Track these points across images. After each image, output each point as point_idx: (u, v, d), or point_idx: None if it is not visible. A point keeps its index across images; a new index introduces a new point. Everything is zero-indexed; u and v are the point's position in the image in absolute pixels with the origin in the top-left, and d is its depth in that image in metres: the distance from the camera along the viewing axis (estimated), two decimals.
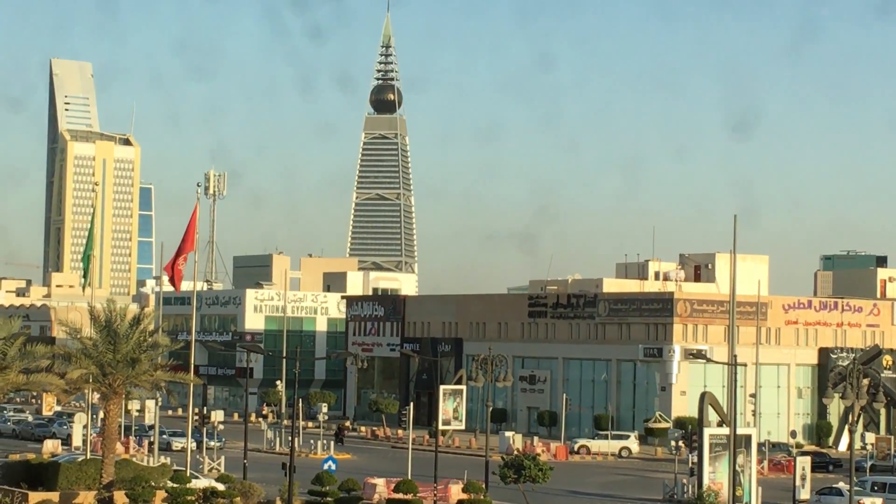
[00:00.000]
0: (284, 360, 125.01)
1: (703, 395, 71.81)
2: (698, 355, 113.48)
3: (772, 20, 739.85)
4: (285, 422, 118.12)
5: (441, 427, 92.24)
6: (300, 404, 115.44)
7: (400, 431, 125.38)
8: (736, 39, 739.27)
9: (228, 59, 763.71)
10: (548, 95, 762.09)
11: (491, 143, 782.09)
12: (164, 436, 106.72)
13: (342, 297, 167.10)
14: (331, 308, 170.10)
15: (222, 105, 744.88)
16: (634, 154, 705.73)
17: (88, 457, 76.17)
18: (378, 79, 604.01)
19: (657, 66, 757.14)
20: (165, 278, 79.16)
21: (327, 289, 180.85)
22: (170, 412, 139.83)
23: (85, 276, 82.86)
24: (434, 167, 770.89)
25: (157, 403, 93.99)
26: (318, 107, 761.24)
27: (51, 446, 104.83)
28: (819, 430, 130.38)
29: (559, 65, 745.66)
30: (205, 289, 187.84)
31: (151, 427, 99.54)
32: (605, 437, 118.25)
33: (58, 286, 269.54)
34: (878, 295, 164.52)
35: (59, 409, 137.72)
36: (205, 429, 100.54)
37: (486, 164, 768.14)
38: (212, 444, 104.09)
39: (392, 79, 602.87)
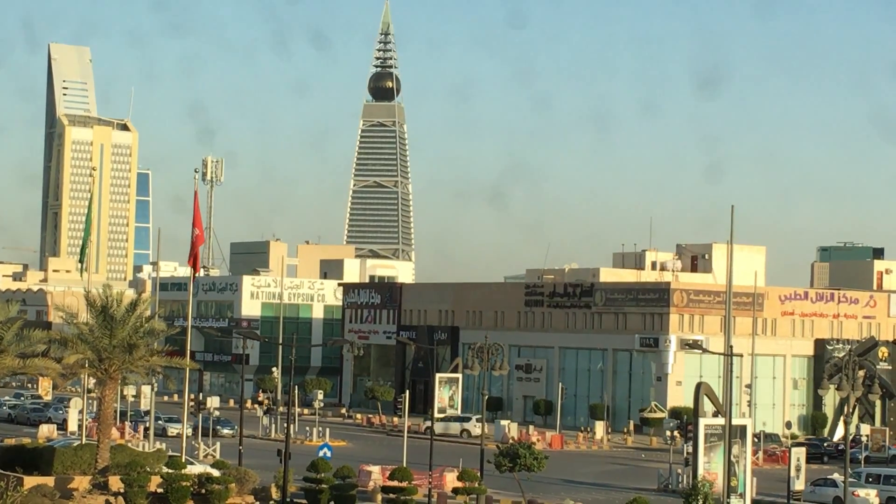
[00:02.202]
0: (280, 347, 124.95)
1: (698, 386, 71.77)
2: (694, 345, 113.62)
3: None
4: (281, 409, 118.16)
5: (437, 415, 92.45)
6: (296, 391, 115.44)
7: (395, 419, 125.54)
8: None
9: (218, 53, 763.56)
10: (520, 51, 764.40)
11: (465, 101, 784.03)
12: (160, 422, 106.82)
13: (339, 285, 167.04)
14: (327, 295, 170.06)
15: (210, 92, 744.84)
16: (605, 110, 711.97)
17: (84, 442, 76.19)
18: (376, 66, 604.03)
19: (629, 22, 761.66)
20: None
21: (324, 276, 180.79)
22: (165, 398, 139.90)
23: (82, 262, 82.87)
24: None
25: (152, 389, 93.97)
26: (314, 94, 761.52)
27: (46, 431, 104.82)
28: (814, 422, 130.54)
29: (532, 21, 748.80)
30: (201, 274, 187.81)
31: (147, 412, 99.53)
32: (449, 420, 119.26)
33: (55, 271, 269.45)
34: (875, 286, 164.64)
35: (70, 393, 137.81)
36: (212, 416, 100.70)
37: (460, 121, 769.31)
38: (226, 431, 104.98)
39: (390, 66, 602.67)
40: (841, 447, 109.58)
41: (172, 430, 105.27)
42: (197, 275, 75.87)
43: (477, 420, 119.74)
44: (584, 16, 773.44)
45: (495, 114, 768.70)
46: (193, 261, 74.52)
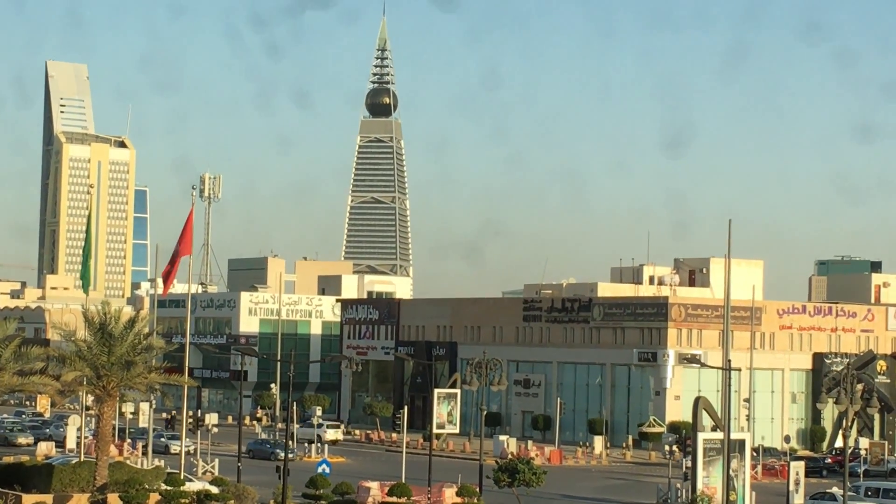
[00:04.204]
0: (279, 363, 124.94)
1: (697, 400, 71.84)
2: (692, 360, 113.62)
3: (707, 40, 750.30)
4: (279, 425, 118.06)
5: (435, 430, 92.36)
6: (294, 407, 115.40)
7: (394, 435, 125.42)
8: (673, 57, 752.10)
9: (193, 73, 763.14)
10: (495, 111, 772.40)
11: (440, 158, 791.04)
12: (163, 439, 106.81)
13: (337, 301, 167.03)
14: (325, 311, 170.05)
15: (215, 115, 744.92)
16: (576, 168, 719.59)
17: (82, 459, 76.15)
18: (374, 82, 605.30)
19: (598, 83, 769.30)
20: (160, 281, 79.59)
21: (322, 292, 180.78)
22: (164, 414, 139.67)
23: (85, 281, 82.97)
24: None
25: (151, 406, 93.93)
26: (316, 111, 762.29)
27: (45, 448, 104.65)
28: (813, 435, 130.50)
29: (506, 81, 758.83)
30: (199, 291, 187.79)
31: (146, 430, 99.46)
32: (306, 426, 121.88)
33: (52, 288, 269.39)
34: (873, 300, 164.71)
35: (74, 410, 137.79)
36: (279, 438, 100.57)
37: (436, 177, 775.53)
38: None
39: (387, 82, 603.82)
40: (827, 459, 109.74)
41: (175, 447, 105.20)
42: (169, 291, 76.10)
43: (328, 427, 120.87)
44: None
45: (466, 169, 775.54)
46: (166, 276, 74.82)
